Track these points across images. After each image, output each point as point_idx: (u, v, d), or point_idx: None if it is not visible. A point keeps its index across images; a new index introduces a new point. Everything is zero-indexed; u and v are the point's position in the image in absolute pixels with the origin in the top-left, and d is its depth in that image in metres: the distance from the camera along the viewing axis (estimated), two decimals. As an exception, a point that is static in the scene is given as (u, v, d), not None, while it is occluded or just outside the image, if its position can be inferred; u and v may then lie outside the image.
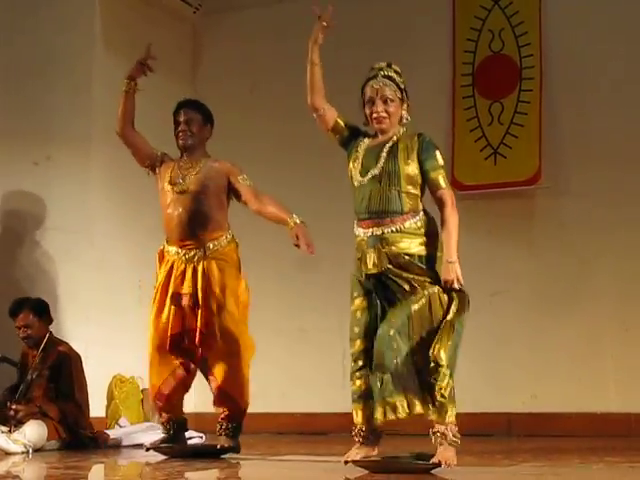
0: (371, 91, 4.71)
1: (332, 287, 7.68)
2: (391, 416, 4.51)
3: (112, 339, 7.22)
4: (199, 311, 5.46)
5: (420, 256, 4.59)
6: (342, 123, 4.82)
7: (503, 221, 7.41)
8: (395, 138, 4.70)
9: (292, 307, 7.83)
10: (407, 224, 4.59)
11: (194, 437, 6.57)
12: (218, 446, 5.51)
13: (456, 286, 4.52)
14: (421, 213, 4.65)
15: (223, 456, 5.51)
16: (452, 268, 4.52)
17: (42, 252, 7.20)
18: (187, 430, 5.75)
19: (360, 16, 7.93)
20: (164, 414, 5.64)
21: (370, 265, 4.61)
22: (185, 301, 5.46)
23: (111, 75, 7.47)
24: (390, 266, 4.58)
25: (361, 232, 4.67)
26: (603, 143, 7.30)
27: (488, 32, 7.64)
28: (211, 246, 5.47)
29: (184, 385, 5.64)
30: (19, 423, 6.00)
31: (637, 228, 7.16)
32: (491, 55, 7.64)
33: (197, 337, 5.45)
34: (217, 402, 5.57)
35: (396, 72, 4.75)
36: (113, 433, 6.57)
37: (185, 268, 5.48)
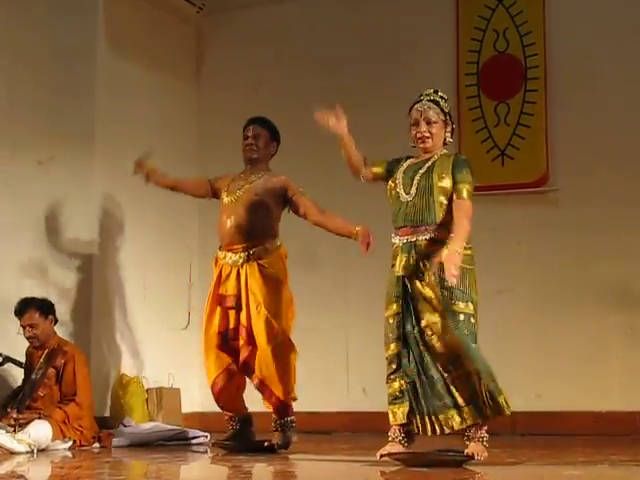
0: (416, 113, 5.01)
1: (336, 288, 7.73)
2: (447, 430, 4.76)
3: (117, 339, 7.24)
4: (242, 311, 5.71)
5: None
6: (378, 170, 5.13)
7: (508, 220, 7.41)
8: (435, 157, 4.97)
9: (296, 306, 7.82)
10: (439, 233, 4.82)
11: (199, 436, 6.59)
12: (273, 443, 5.67)
13: (452, 271, 4.57)
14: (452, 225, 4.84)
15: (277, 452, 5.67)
16: (456, 256, 4.65)
17: (45, 252, 7.19)
18: (252, 425, 5.93)
19: (363, 17, 7.92)
20: (226, 411, 5.88)
21: (400, 268, 4.84)
22: (228, 302, 5.74)
23: (115, 75, 7.50)
24: (420, 274, 4.80)
25: (397, 240, 4.93)
26: (607, 144, 7.27)
27: (492, 32, 7.61)
28: (256, 251, 5.71)
29: (238, 381, 5.86)
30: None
31: (642, 229, 7.16)
32: (496, 55, 7.63)
33: (242, 332, 5.69)
34: (265, 399, 5.75)
35: (441, 97, 5.05)
36: (118, 433, 6.57)
37: (230, 271, 5.75)
